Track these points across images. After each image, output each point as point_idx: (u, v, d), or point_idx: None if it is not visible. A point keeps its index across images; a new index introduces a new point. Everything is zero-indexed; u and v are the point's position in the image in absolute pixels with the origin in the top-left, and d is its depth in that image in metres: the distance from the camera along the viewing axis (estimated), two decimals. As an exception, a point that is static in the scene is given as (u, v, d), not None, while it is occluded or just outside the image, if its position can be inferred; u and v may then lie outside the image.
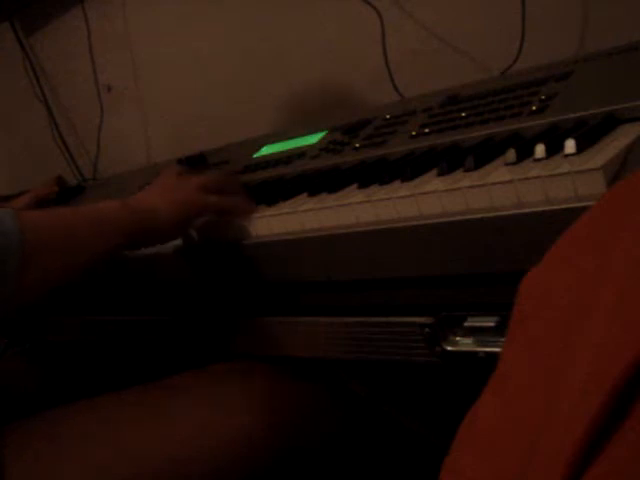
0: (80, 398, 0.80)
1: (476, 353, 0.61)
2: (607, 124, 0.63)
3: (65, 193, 1.38)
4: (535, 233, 0.53)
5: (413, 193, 0.62)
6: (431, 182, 0.64)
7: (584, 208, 0.39)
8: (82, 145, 1.88)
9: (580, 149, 0.57)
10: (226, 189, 0.81)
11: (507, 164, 0.61)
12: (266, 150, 1.09)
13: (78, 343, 1.14)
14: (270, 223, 0.74)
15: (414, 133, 0.84)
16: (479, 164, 0.63)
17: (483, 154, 0.65)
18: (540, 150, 0.58)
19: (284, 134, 1.11)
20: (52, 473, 0.71)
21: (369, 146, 0.88)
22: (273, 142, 1.11)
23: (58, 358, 1.18)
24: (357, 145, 0.90)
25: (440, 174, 0.65)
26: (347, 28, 1.26)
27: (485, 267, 0.58)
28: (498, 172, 0.59)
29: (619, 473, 0.26)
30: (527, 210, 0.54)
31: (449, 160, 0.66)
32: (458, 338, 0.63)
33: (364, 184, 0.72)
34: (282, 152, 1.04)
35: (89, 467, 0.72)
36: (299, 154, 0.98)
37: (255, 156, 1.10)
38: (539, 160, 0.58)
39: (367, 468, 0.89)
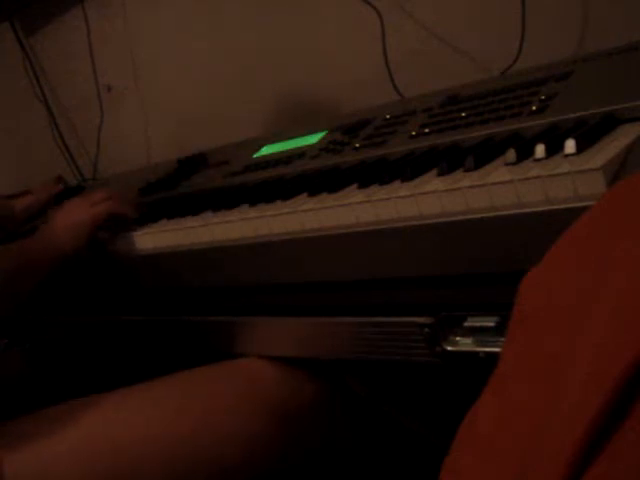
0: (80, 398, 0.80)
1: (476, 353, 0.61)
2: (607, 124, 0.63)
3: (65, 193, 1.39)
4: (535, 233, 0.53)
5: (413, 193, 0.62)
6: (431, 182, 0.64)
7: (584, 208, 0.39)
8: (82, 145, 1.88)
9: (580, 149, 0.56)
10: (114, 198, 0.98)
11: (507, 164, 0.61)
12: (266, 150, 1.09)
13: (78, 343, 1.14)
14: (270, 223, 0.74)
15: (414, 133, 0.83)
16: (479, 164, 0.63)
17: (483, 154, 0.65)
18: (540, 150, 0.58)
19: (284, 134, 1.11)
20: (50, 470, 0.71)
21: (369, 146, 0.88)
22: (273, 142, 1.11)
23: (58, 358, 1.18)
24: (357, 145, 0.90)
25: (440, 174, 0.65)
26: (347, 28, 1.26)
27: (485, 267, 0.58)
28: (498, 172, 0.59)
29: (619, 473, 0.26)
30: (527, 210, 0.54)
31: (449, 160, 0.66)
32: (458, 338, 0.63)
33: (364, 184, 0.71)
34: (282, 152, 1.04)
35: (86, 465, 0.72)
36: (299, 154, 0.98)
37: (255, 156, 1.09)
38: (539, 160, 0.58)
39: (367, 468, 0.89)
